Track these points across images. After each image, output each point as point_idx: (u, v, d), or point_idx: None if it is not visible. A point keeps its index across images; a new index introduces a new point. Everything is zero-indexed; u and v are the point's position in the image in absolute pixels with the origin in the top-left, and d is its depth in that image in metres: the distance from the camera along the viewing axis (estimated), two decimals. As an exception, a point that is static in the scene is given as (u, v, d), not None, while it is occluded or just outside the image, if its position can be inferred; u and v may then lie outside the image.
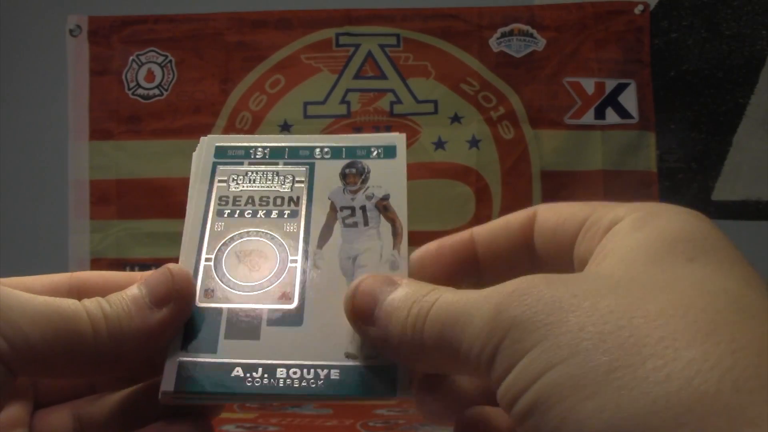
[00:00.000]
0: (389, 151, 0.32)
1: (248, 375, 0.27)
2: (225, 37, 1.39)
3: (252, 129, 1.37)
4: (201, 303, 0.29)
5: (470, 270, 0.30)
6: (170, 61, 1.39)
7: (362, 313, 0.25)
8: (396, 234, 0.30)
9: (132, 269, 1.33)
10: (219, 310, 0.29)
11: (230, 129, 1.37)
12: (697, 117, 1.39)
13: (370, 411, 1.08)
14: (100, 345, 0.25)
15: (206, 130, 1.37)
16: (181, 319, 0.28)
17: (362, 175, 0.31)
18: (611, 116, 1.37)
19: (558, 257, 0.27)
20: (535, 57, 1.37)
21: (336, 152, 0.32)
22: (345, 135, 0.31)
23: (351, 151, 0.32)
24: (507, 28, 1.38)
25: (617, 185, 1.36)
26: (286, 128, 1.37)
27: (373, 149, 0.32)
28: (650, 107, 1.37)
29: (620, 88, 1.37)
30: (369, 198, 0.31)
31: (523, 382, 0.20)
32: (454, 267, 0.30)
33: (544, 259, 0.28)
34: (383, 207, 0.31)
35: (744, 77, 1.37)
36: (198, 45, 1.39)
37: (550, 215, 0.28)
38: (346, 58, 1.39)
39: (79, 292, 0.29)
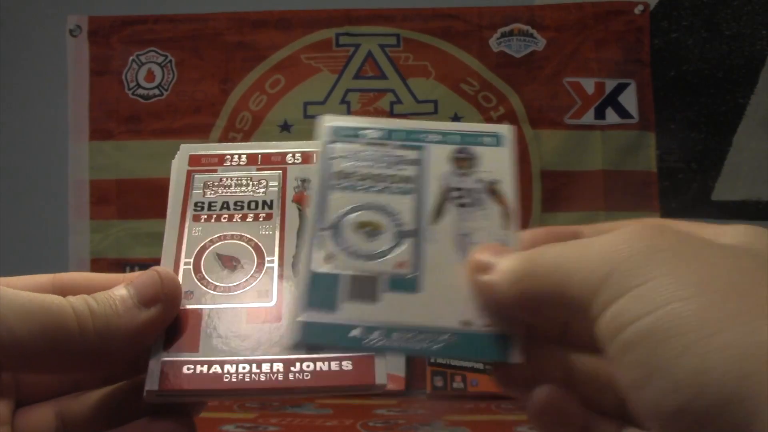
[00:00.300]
0: (497, 140, 0.34)
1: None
2: (225, 37, 1.39)
3: (252, 129, 1.37)
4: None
5: None
6: (170, 61, 1.39)
7: (481, 263, 0.27)
8: (506, 216, 0.31)
9: (132, 269, 1.33)
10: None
11: (230, 129, 1.37)
12: (697, 117, 1.39)
13: (370, 411, 1.08)
14: (86, 342, 0.26)
15: (206, 130, 1.37)
16: (168, 320, 0.28)
17: (472, 160, 0.33)
18: (611, 116, 1.37)
19: None
20: (535, 57, 1.37)
21: (447, 137, 0.33)
22: (455, 122, 0.32)
23: (462, 137, 0.33)
24: (507, 28, 1.38)
25: (617, 185, 1.36)
26: (286, 128, 1.37)
27: (482, 137, 0.34)
28: (650, 107, 1.37)
29: (620, 88, 1.37)
30: (479, 182, 0.32)
31: (642, 308, 0.20)
32: None
33: None
34: (492, 191, 0.32)
35: (744, 77, 1.37)
36: (198, 45, 1.39)
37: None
38: (346, 58, 1.39)
39: (63, 292, 0.29)
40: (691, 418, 0.19)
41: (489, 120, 1.37)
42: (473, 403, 1.15)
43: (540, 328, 0.29)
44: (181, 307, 0.30)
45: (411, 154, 0.32)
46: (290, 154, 0.35)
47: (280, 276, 0.31)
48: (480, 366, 1.19)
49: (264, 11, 1.40)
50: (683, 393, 0.19)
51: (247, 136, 1.37)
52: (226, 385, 0.28)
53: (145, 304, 0.27)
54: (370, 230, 0.30)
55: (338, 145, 0.32)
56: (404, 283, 0.29)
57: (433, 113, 1.37)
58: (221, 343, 0.29)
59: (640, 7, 1.38)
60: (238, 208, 0.33)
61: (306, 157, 0.34)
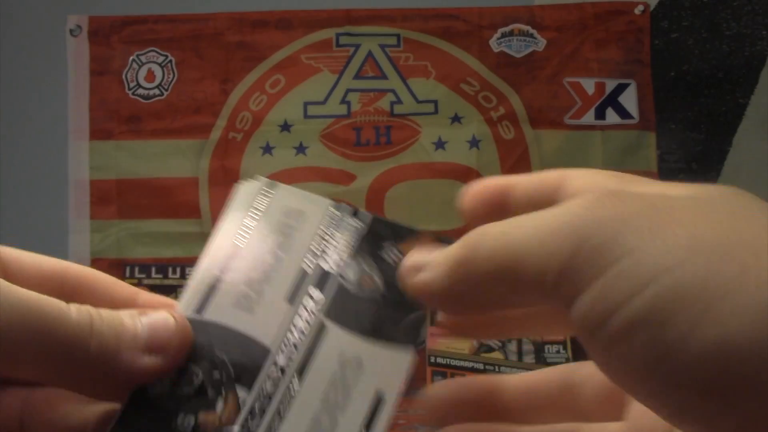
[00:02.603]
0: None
1: None
2: (225, 37, 1.39)
3: (252, 129, 1.37)
4: None
5: None
6: (170, 61, 1.39)
7: (413, 265, 0.24)
8: None
9: (132, 269, 1.33)
10: None
11: (230, 129, 1.37)
12: (697, 117, 1.39)
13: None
14: (75, 359, 0.23)
15: (206, 130, 1.37)
16: (168, 371, 0.25)
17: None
18: (611, 116, 1.37)
19: None
20: (535, 57, 1.37)
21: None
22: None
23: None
24: (507, 28, 1.38)
25: (617, 185, 1.36)
26: (286, 128, 1.37)
27: None
28: (650, 107, 1.37)
29: (620, 89, 1.37)
30: None
31: (629, 286, 0.17)
32: None
33: None
34: None
35: (744, 77, 1.37)
36: (198, 45, 1.39)
37: (580, 176, 0.24)
38: (346, 58, 1.39)
39: (66, 287, 0.28)
40: (718, 396, 0.16)
41: (489, 120, 1.37)
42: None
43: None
44: None
45: None
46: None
47: None
48: (480, 366, 1.19)
49: (264, 11, 1.40)
50: (706, 370, 0.16)
51: (247, 136, 1.37)
52: None
53: (151, 350, 0.25)
54: None
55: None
56: None
57: (434, 113, 1.37)
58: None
59: (641, 8, 1.38)
60: None
61: None
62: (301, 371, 0.25)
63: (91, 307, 0.25)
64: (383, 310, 0.26)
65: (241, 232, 0.28)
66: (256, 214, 0.28)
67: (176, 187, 1.37)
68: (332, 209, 0.29)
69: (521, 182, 0.25)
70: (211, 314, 0.26)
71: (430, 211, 1.36)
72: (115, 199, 1.36)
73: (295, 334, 0.26)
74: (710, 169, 1.39)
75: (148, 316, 0.25)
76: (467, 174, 1.36)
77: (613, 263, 0.18)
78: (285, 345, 0.26)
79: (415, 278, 0.24)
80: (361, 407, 0.25)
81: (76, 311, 0.24)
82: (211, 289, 0.27)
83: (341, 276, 0.27)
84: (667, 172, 1.38)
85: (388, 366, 0.26)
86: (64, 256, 1.36)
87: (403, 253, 0.26)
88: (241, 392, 0.25)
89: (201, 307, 0.27)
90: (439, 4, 1.39)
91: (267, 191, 0.29)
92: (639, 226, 0.18)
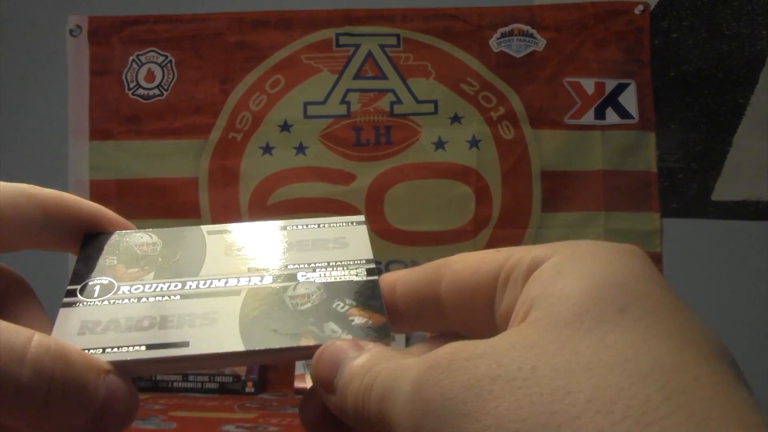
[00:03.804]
0: None
1: None
2: (225, 37, 1.39)
3: (252, 129, 1.37)
4: None
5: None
6: (170, 61, 1.39)
7: (324, 381, 0.23)
8: None
9: (132, 269, 1.32)
10: None
11: (230, 129, 1.37)
12: (697, 117, 1.39)
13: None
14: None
15: (206, 130, 1.38)
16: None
17: None
18: (611, 116, 1.37)
19: (473, 313, 0.24)
20: (535, 57, 1.37)
21: None
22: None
23: None
24: (507, 29, 1.38)
25: (617, 185, 1.36)
26: (286, 128, 1.37)
27: None
28: (650, 107, 1.37)
29: (620, 88, 1.37)
30: None
31: None
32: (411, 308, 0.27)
33: (457, 318, 0.25)
34: None
35: (744, 77, 1.37)
36: (198, 45, 1.39)
37: (461, 266, 0.25)
38: (346, 58, 1.39)
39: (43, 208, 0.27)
40: None
41: (489, 120, 1.37)
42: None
43: None
44: None
45: None
46: None
47: None
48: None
49: (264, 11, 1.40)
50: None
51: (247, 136, 1.37)
52: None
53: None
54: None
55: None
56: None
57: (434, 113, 1.37)
58: None
59: (640, 7, 1.38)
60: None
61: None
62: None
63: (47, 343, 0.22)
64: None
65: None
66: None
67: (176, 187, 1.37)
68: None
69: (403, 277, 0.26)
70: None
71: (429, 211, 1.36)
72: (115, 199, 1.36)
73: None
74: (710, 169, 1.39)
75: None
76: (467, 174, 1.36)
77: None
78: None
79: (326, 398, 0.23)
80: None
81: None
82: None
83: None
84: (666, 171, 1.38)
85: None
86: (64, 255, 1.37)
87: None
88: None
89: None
90: (439, 4, 1.39)
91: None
92: (461, 410, 0.18)
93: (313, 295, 0.26)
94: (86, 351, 0.23)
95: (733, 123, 1.38)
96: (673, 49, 1.39)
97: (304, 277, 0.26)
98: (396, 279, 0.26)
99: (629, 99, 1.37)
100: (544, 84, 1.37)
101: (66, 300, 0.25)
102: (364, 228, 0.29)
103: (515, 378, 0.18)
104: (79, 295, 0.26)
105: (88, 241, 0.28)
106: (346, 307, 0.25)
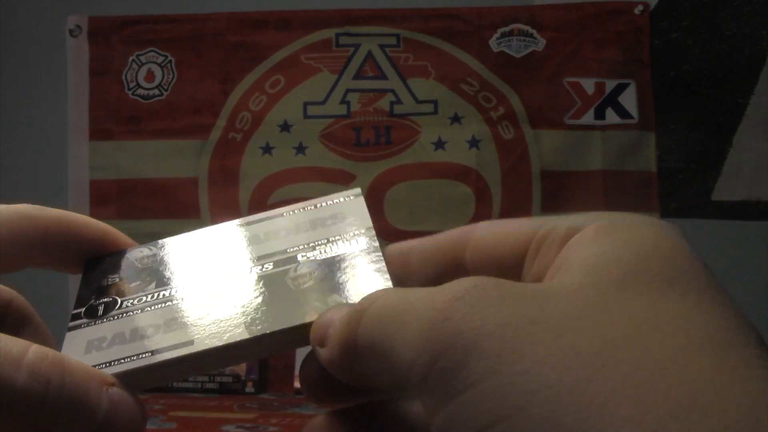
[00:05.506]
0: None
1: None
2: (225, 37, 1.39)
3: (252, 129, 1.37)
4: None
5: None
6: (170, 61, 1.39)
7: (319, 339, 0.22)
8: None
9: (132, 269, 1.33)
10: None
11: (230, 129, 1.37)
12: (697, 117, 1.39)
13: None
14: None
15: (206, 130, 1.37)
16: None
17: None
18: (611, 116, 1.37)
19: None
20: (535, 57, 1.37)
21: None
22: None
23: None
24: (507, 28, 1.38)
25: (617, 185, 1.36)
26: (285, 128, 1.37)
27: None
28: (650, 107, 1.37)
29: (620, 88, 1.37)
30: None
31: (470, 427, 0.17)
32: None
33: None
34: None
35: (744, 77, 1.37)
36: (198, 45, 1.39)
37: (488, 232, 0.24)
38: (346, 58, 1.39)
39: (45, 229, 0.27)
40: None
41: (489, 120, 1.37)
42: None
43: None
44: None
45: None
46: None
47: None
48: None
49: (264, 11, 1.40)
50: None
51: (247, 136, 1.37)
52: None
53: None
54: None
55: None
56: None
57: (433, 113, 1.37)
58: None
59: (640, 7, 1.38)
60: None
61: None
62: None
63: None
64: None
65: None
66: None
67: (176, 187, 1.37)
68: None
69: (419, 245, 0.25)
70: None
71: (429, 211, 1.36)
72: (115, 199, 1.36)
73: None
74: (710, 168, 1.39)
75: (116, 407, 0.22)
76: (467, 174, 1.36)
77: (462, 391, 0.17)
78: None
79: (319, 355, 0.22)
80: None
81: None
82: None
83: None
84: (666, 171, 1.38)
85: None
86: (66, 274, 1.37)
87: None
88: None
89: None
90: (439, 4, 1.39)
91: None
92: (495, 349, 0.17)
93: (314, 272, 0.25)
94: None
95: (733, 123, 1.38)
96: (673, 49, 1.39)
97: (305, 257, 0.26)
98: (410, 248, 0.25)
99: (629, 99, 1.37)
100: (544, 84, 1.37)
101: (71, 324, 0.25)
102: (361, 200, 0.29)
103: (558, 326, 0.17)
104: (83, 317, 0.26)
105: (91, 265, 0.28)
106: (348, 277, 0.25)
